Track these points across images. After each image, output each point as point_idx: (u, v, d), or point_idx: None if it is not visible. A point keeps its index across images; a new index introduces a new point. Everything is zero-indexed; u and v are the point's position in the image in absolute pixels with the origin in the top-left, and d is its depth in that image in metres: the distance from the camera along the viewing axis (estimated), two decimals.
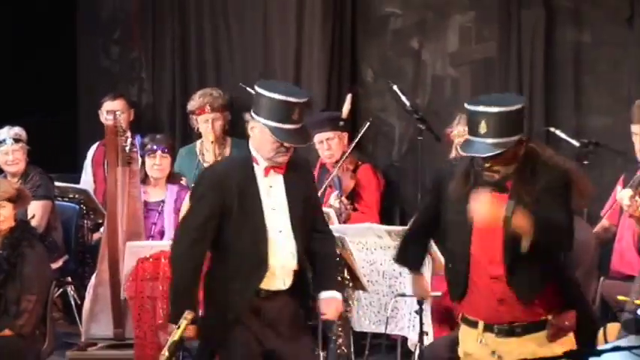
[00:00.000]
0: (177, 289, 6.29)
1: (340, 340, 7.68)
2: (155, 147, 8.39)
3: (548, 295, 5.60)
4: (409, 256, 6.18)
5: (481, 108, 5.50)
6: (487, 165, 5.51)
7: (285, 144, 6.13)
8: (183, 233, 6.34)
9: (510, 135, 5.46)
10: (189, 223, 6.32)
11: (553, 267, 5.61)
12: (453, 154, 7.89)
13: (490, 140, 5.46)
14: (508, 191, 5.52)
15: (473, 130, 5.52)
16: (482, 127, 5.48)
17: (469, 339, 5.76)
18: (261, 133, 6.14)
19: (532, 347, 5.60)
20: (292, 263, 6.23)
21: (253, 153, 6.22)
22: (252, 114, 6.17)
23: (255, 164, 6.22)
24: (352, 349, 7.77)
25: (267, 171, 6.22)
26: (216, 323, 6.24)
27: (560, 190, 5.56)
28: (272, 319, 6.24)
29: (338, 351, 7.66)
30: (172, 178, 8.63)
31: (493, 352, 5.67)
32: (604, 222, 7.21)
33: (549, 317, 5.59)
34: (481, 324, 5.68)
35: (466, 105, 5.59)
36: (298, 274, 6.32)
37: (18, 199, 7.71)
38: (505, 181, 5.55)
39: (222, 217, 6.18)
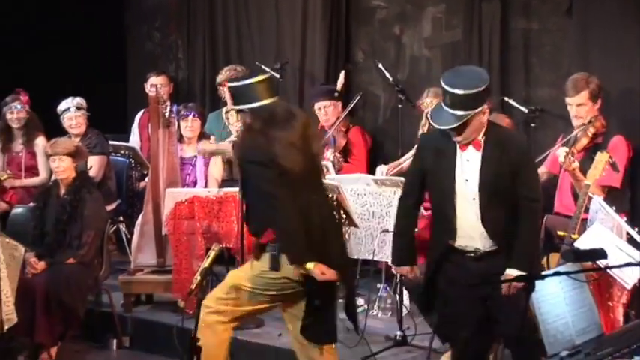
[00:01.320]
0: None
1: None
2: (188, 113, 8.38)
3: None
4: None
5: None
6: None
7: None
8: None
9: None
10: None
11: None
12: (423, 121, 7.92)
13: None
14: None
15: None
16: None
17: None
18: None
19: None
20: None
21: None
22: None
23: None
24: None
25: None
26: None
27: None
28: None
29: None
30: (202, 137, 8.60)
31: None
32: (542, 169, 7.17)
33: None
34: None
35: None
36: None
37: (76, 155, 7.70)
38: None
39: None
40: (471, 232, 5.64)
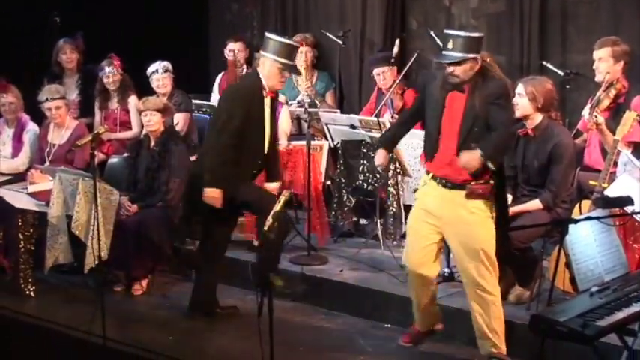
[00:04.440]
0: (219, 164, 6.60)
1: (393, 210, 7.73)
2: None
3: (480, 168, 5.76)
4: (386, 136, 6.55)
5: (451, 31, 5.89)
6: (450, 70, 5.80)
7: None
8: None
9: (467, 52, 5.76)
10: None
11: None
12: None
13: (453, 53, 5.77)
14: (465, 92, 5.82)
15: (444, 47, 5.84)
16: (450, 44, 5.80)
17: (425, 187, 6.10)
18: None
19: (456, 197, 5.89)
20: None
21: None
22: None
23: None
24: (402, 216, 7.78)
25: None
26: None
27: (503, 99, 5.81)
28: None
29: (392, 212, 7.75)
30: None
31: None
32: (584, 136, 7.15)
33: (472, 183, 5.81)
34: (431, 175, 6.01)
35: (445, 30, 6.01)
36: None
37: (164, 111, 7.75)
38: (463, 85, 5.83)
39: None
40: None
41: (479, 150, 5.68)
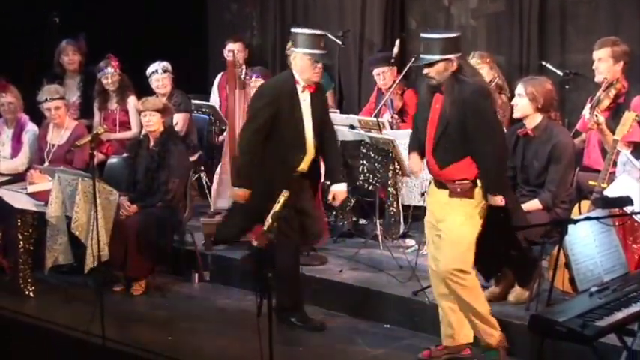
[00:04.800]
0: (243, 163, 6.70)
1: (393, 210, 7.72)
2: (252, 74, 8.29)
3: (460, 168, 5.83)
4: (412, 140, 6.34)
5: (425, 35, 5.93)
6: (425, 72, 5.88)
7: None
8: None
9: (440, 54, 5.79)
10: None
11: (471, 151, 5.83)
12: None
13: (425, 56, 5.84)
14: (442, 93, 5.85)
15: (420, 50, 5.92)
16: (423, 48, 5.88)
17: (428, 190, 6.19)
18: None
19: (442, 197, 5.93)
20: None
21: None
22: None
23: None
24: (401, 216, 7.79)
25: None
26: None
27: (480, 104, 5.78)
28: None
29: (392, 213, 7.73)
30: None
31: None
32: (583, 136, 7.15)
33: (456, 182, 5.86)
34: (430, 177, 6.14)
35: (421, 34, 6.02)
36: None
37: (164, 111, 7.75)
38: (441, 86, 5.84)
39: None
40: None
41: (489, 195, 5.81)
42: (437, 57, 5.80)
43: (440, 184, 5.96)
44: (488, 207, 5.86)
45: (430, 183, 6.13)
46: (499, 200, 5.79)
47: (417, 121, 6.23)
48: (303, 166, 6.69)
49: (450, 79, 5.82)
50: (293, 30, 6.78)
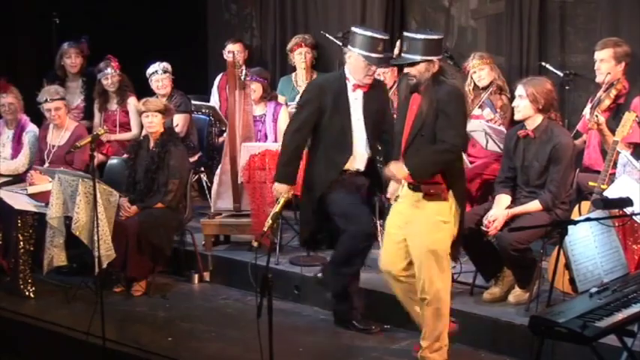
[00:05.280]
0: (282, 153, 6.65)
1: None
2: (252, 77, 8.28)
3: None
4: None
5: (408, 34, 5.94)
6: (406, 71, 5.89)
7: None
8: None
9: (421, 54, 5.80)
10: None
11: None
12: (468, 81, 7.88)
13: (407, 55, 5.84)
14: (421, 93, 5.86)
15: (401, 49, 5.92)
16: (405, 47, 5.88)
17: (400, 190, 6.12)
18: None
19: (415, 199, 5.93)
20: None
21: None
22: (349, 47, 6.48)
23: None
24: None
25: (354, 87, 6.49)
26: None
27: (452, 106, 5.78)
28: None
29: None
30: (271, 97, 8.59)
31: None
32: (584, 137, 7.16)
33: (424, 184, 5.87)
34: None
35: (404, 33, 6.04)
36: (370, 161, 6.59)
37: (165, 112, 7.76)
38: (419, 87, 5.86)
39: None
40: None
41: (404, 164, 5.82)
42: (418, 57, 5.81)
43: (414, 187, 5.95)
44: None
45: (403, 186, 6.09)
46: (399, 171, 5.83)
47: (397, 121, 6.22)
48: (354, 166, 6.58)
49: (429, 80, 5.83)
50: (353, 29, 6.62)
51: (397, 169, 5.87)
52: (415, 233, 5.93)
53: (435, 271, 5.90)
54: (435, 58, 5.84)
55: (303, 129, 6.58)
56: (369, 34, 6.48)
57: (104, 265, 7.12)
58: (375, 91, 6.63)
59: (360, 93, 6.54)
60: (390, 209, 6.24)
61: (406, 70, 5.88)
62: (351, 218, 6.46)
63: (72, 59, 9.10)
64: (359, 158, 6.57)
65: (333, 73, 6.95)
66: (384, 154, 6.66)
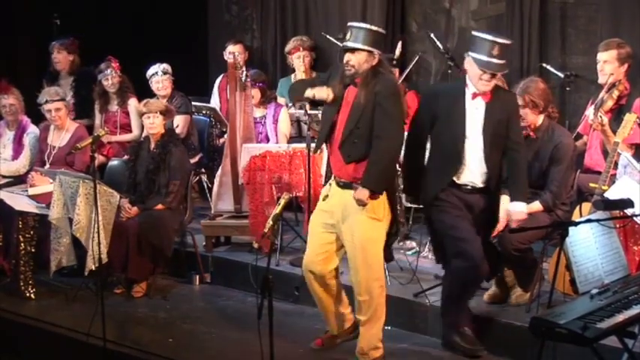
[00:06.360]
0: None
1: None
2: (250, 83, 8.26)
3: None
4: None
5: (353, 24, 5.95)
6: (345, 59, 5.87)
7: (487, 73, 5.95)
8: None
9: (364, 44, 5.81)
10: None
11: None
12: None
13: (349, 43, 5.84)
14: (357, 86, 5.86)
15: (347, 38, 5.90)
16: (349, 35, 5.88)
17: (327, 187, 6.14)
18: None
19: (347, 197, 5.89)
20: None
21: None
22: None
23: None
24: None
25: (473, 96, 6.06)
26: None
27: (391, 100, 5.79)
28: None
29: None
30: (271, 98, 8.59)
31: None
32: (585, 139, 7.16)
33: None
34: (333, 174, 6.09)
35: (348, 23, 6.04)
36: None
37: (166, 113, 7.76)
38: (355, 78, 5.86)
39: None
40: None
41: (363, 186, 5.78)
42: (360, 45, 5.82)
43: (344, 184, 5.94)
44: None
45: (331, 185, 6.09)
46: (363, 195, 5.77)
47: (324, 114, 6.16)
48: (468, 179, 6.09)
49: (367, 72, 5.85)
50: (474, 33, 6.19)
51: (360, 194, 5.78)
52: (348, 232, 5.93)
53: (371, 270, 5.92)
54: (376, 52, 5.86)
55: (410, 142, 6.28)
56: (483, 35, 6.03)
57: (92, 267, 7.12)
58: (500, 102, 6.07)
59: (481, 102, 6.04)
60: (316, 208, 6.24)
61: (346, 58, 5.87)
62: (457, 246, 6.05)
63: (54, 54, 9.13)
64: (474, 171, 6.10)
65: (454, 81, 6.79)
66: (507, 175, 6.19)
